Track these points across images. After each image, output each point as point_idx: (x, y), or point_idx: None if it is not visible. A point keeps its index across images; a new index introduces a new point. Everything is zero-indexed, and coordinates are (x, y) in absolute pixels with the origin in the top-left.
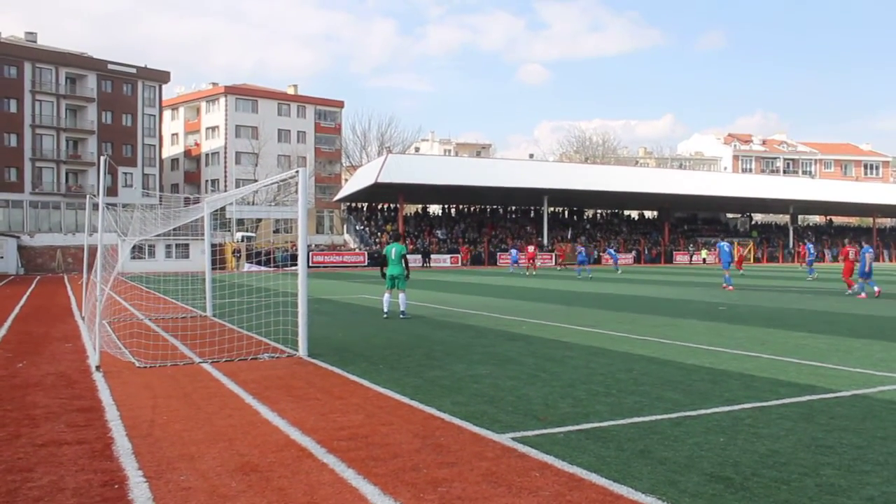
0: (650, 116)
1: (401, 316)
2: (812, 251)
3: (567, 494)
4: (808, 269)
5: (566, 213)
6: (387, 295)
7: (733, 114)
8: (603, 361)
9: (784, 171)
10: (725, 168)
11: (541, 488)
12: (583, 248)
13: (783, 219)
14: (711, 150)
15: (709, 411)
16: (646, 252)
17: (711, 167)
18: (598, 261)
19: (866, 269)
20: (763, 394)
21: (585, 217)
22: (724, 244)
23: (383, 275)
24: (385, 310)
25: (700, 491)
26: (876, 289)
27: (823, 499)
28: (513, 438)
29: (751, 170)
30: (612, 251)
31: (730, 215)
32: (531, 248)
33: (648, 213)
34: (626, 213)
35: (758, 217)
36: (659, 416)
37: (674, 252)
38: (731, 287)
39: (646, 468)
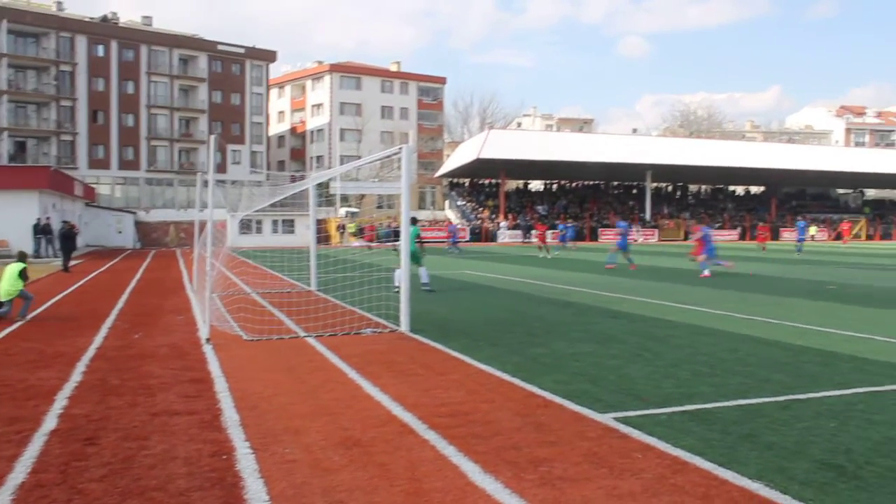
0: (755, 89)
1: (422, 288)
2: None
3: (671, 477)
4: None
5: (670, 188)
6: (397, 270)
7: (844, 85)
8: (707, 341)
9: None
10: (837, 142)
11: (643, 470)
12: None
13: None
14: (822, 124)
15: (818, 395)
16: (751, 228)
17: (821, 141)
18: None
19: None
20: (877, 378)
21: (689, 193)
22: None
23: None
24: (395, 283)
25: (810, 479)
26: (707, 272)
27: None
28: (614, 418)
29: (864, 143)
30: (563, 226)
31: (840, 191)
32: (542, 226)
33: (754, 189)
34: (732, 188)
35: (871, 193)
36: (766, 399)
37: (780, 229)
38: (707, 274)
39: (752, 453)
